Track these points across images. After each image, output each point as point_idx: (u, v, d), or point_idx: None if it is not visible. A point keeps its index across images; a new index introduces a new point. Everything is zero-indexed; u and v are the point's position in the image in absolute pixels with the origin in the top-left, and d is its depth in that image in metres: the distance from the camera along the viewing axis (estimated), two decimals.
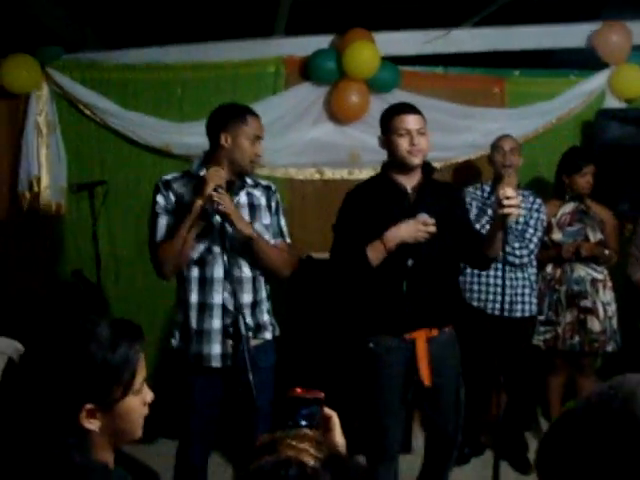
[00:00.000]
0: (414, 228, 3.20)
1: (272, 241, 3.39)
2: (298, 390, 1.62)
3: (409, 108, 3.33)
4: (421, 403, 3.57)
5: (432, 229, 3.21)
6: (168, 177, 3.31)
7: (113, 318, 1.72)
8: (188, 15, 5.45)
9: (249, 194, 3.36)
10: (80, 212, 5.10)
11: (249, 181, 3.38)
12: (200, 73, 5.16)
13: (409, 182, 3.37)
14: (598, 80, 5.45)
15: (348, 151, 5.23)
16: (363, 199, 3.38)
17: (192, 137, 4.93)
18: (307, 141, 5.21)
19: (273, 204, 3.43)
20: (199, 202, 3.08)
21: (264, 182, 3.50)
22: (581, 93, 5.45)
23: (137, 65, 5.17)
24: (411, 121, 3.28)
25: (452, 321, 3.48)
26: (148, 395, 1.75)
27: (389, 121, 3.34)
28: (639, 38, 5.40)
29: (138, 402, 1.71)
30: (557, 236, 4.61)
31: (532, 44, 5.51)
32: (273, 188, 3.47)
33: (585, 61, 5.52)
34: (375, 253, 3.23)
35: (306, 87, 5.20)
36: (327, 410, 1.62)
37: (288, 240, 3.48)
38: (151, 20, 5.50)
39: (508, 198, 3.09)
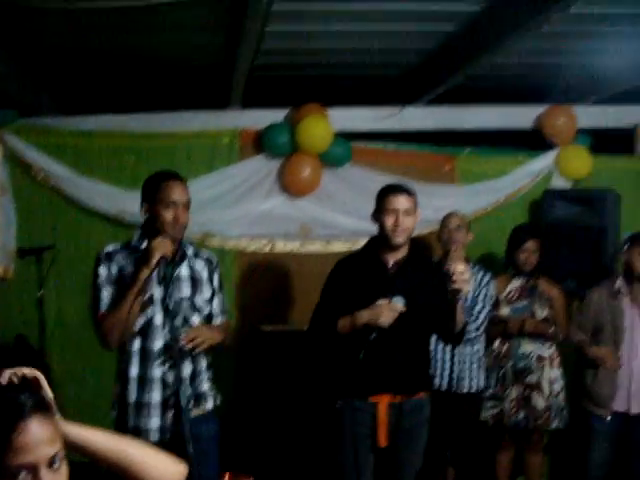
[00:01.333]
0: (381, 313, 3.30)
1: (218, 319, 3.41)
2: (226, 476, 1.62)
3: (399, 189, 3.46)
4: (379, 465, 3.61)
5: (399, 310, 3.31)
6: (109, 249, 3.29)
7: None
8: (145, 84, 5.50)
9: (190, 266, 3.34)
10: (28, 277, 5.02)
11: (190, 252, 3.36)
12: (155, 142, 5.20)
13: (393, 257, 3.47)
14: (545, 160, 5.61)
15: (299, 224, 5.28)
16: (348, 270, 3.51)
17: None
18: (259, 213, 5.25)
19: (215, 279, 3.42)
20: (145, 272, 3.06)
21: (205, 253, 3.49)
22: (529, 172, 5.60)
23: (92, 131, 5.20)
24: (398, 201, 3.41)
25: (420, 390, 3.55)
26: None
27: (380, 199, 3.47)
28: (583, 121, 5.57)
29: None
30: (504, 311, 4.66)
31: (482, 124, 5.66)
32: (214, 262, 3.46)
33: (533, 141, 5.69)
34: (344, 326, 3.40)
35: (260, 159, 5.27)
36: None
37: (227, 317, 3.55)
38: (108, 87, 5.54)
39: (459, 273, 3.15)
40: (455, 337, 3.56)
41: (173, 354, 3.15)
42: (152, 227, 3.21)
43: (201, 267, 3.38)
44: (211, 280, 3.40)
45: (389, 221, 3.38)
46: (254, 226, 5.23)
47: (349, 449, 3.46)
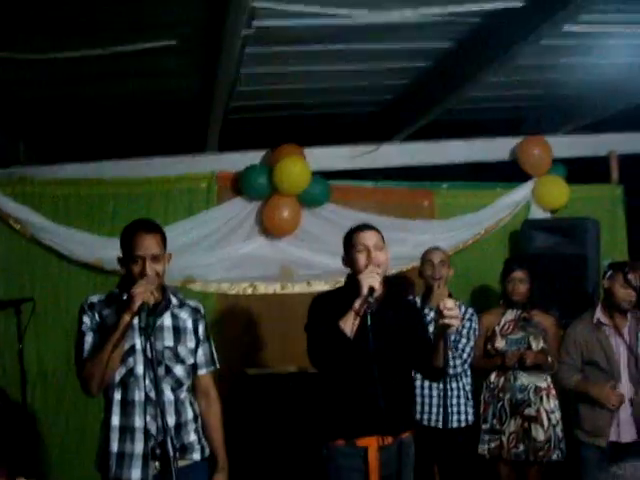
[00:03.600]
0: (370, 273, 3.23)
1: (203, 370, 3.37)
2: None
3: (365, 226, 3.42)
4: None
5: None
6: (93, 299, 3.27)
7: None
8: (121, 131, 5.51)
9: (174, 316, 3.30)
10: (7, 329, 4.96)
11: (174, 301, 3.32)
12: (133, 188, 5.17)
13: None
14: (523, 191, 5.65)
15: (280, 265, 5.26)
16: (330, 301, 3.40)
17: None
18: (239, 256, 5.23)
19: (201, 329, 3.37)
20: (126, 318, 3.03)
21: (192, 303, 3.44)
22: (507, 204, 5.63)
23: (70, 180, 5.16)
24: (367, 237, 3.37)
25: (408, 429, 3.44)
26: None
27: (349, 239, 3.42)
28: (558, 151, 5.63)
29: None
30: (500, 344, 4.63)
31: (459, 158, 5.71)
32: (202, 311, 3.42)
33: (510, 173, 5.73)
34: (347, 323, 3.22)
35: (238, 202, 5.26)
36: None
37: (217, 365, 3.47)
38: (85, 136, 5.54)
39: (449, 309, 3.13)
40: (437, 373, 3.46)
41: (154, 404, 3.12)
42: (129, 279, 3.20)
43: (186, 316, 3.33)
44: (196, 330, 3.34)
45: (361, 259, 3.33)
46: (235, 269, 5.19)
47: None
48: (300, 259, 5.25)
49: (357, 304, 3.18)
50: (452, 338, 4.40)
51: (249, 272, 5.23)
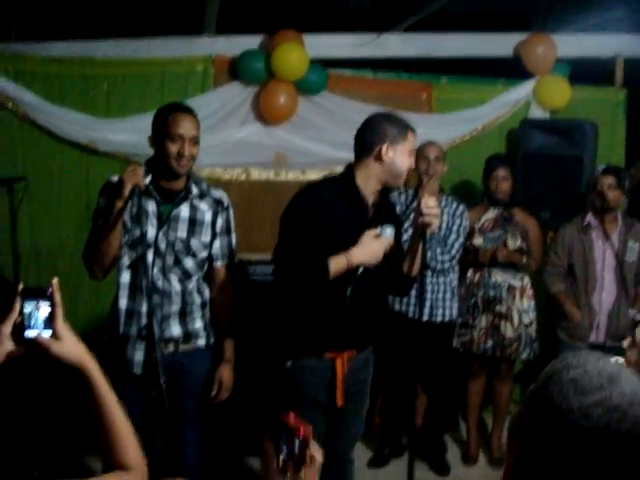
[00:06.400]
0: (378, 249, 3.08)
1: (218, 262, 3.37)
2: (289, 416, 1.64)
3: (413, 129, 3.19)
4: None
5: (389, 243, 3.11)
6: (113, 179, 3.19)
7: None
8: (117, 10, 5.37)
9: (193, 207, 3.25)
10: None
11: (195, 191, 3.25)
12: (127, 69, 5.07)
13: (368, 189, 3.16)
14: (524, 89, 5.55)
15: (274, 152, 5.22)
16: (323, 201, 3.10)
17: (118, 134, 4.90)
18: (234, 141, 5.18)
19: (220, 222, 3.32)
20: (118, 204, 3.02)
21: (217, 193, 3.36)
22: (507, 102, 5.54)
23: (63, 58, 5.04)
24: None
25: (372, 343, 3.40)
26: None
27: (402, 134, 3.14)
28: (563, 50, 5.52)
29: None
30: (477, 241, 4.67)
31: (460, 52, 5.58)
32: (225, 203, 3.35)
33: (512, 70, 5.62)
34: (337, 267, 3.02)
35: (234, 87, 5.18)
36: (313, 449, 1.64)
37: (235, 259, 3.45)
38: (79, 14, 5.40)
39: (430, 208, 3.10)
40: (406, 284, 3.36)
41: (160, 292, 3.18)
42: (157, 161, 3.16)
43: (206, 208, 3.28)
44: (214, 223, 3.31)
45: (405, 163, 3.11)
46: (229, 154, 5.15)
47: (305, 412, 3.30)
48: (295, 146, 5.21)
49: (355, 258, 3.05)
50: (441, 233, 4.42)
51: (243, 158, 5.19)
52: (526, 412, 1.26)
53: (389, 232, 3.10)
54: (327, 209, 3.08)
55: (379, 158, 3.08)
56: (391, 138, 3.08)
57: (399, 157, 3.09)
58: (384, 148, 3.07)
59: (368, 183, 3.14)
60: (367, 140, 3.12)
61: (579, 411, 1.17)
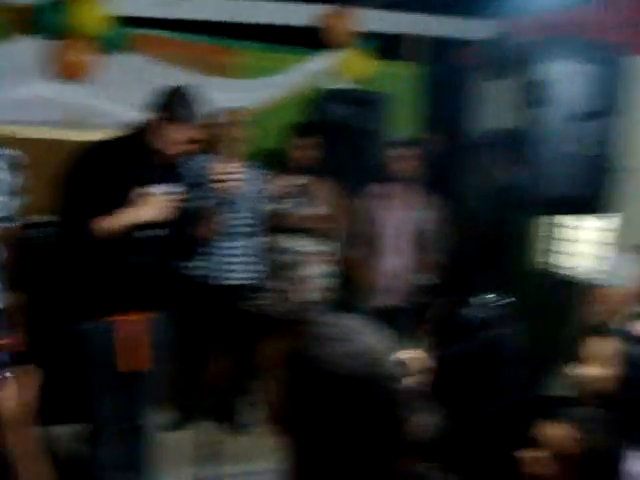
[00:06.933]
0: (157, 207, 3.11)
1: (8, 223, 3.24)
2: None
3: None
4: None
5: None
6: None
7: None
8: None
9: None
10: None
11: None
12: None
13: (157, 150, 3.23)
14: (325, 60, 5.69)
15: (72, 111, 5.04)
16: (109, 164, 3.14)
17: None
18: (30, 98, 4.92)
19: (16, 182, 3.23)
20: None
21: (11, 152, 3.27)
22: (308, 71, 5.66)
23: None
24: None
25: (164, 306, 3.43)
26: None
27: None
28: (365, 24, 5.69)
29: None
30: (277, 207, 4.76)
31: (262, 18, 5.60)
32: (22, 163, 3.27)
33: (317, 41, 5.72)
34: (115, 224, 3.06)
35: (28, 40, 4.92)
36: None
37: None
38: None
39: (227, 173, 3.13)
40: (190, 245, 3.48)
41: None
42: None
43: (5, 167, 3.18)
44: (9, 182, 3.20)
45: None
46: (16, 111, 4.85)
47: (97, 377, 3.28)
48: (90, 106, 5.05)
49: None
50: (246, 197, 4.45)
51: (32, 115, 4.95)
52: (287, 364, 1.40)
53: (165, 190, 3.14)
54: (113, 168, 3.10)
55: (159, 128, 3.17)
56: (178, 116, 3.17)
57: (175, 134, 3.18)
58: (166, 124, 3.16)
59: (156, 144, 3.14)
60: (161, 107, 3.17)
61: (327, 358, 1.33)
